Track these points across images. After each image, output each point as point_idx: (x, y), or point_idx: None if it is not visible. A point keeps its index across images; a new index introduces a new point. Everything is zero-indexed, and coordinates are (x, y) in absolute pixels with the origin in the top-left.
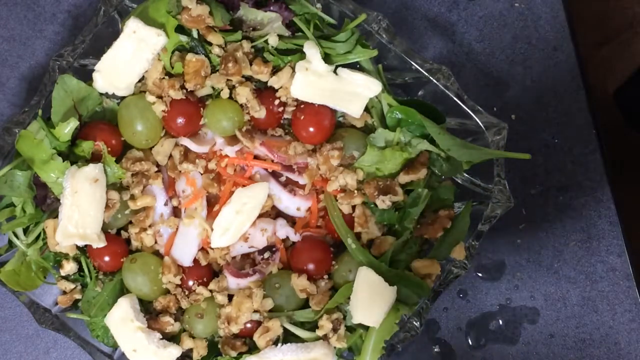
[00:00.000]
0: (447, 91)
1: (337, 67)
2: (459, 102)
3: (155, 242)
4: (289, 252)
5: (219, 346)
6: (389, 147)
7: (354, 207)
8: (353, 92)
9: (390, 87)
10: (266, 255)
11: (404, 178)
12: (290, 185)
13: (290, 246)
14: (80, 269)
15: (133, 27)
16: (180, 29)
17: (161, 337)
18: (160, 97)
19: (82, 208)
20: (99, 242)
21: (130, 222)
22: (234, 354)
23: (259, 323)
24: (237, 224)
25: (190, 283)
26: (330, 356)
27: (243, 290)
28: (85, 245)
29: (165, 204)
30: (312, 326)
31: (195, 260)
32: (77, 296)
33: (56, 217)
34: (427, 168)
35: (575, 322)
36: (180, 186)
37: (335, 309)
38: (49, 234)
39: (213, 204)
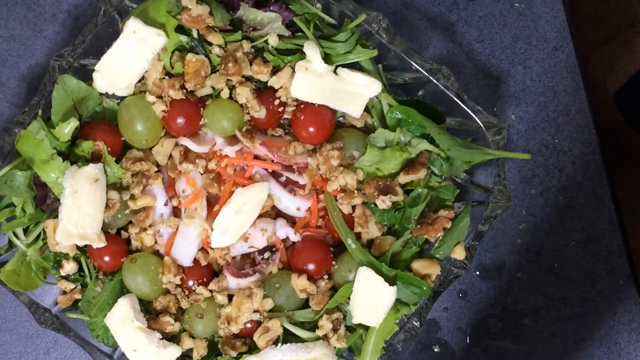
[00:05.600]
0: (447, 91)
1: (337, 67)
2: (459, 102)
3: (155, 242)
4: (289, 252)
5: (219, 346)
6: (389, 147)
7: (354, 207)
8: (353, 92)
9: (390, 87)
10: (266, 255)
11: (404, 178)
12: (290, 185)
13: (290, 246)
14: (80, 269)
15: (133, 27)
16: (180, 29)
17: (161, 337)
18: (160, 97)
19: (82, 208)
20: (99, 242)
21: (130, 222)
22: (234, 354)
23: (259, 323)
24: (237, 224)
25: (190, 283)
26: (330, 356)
27: (243, 290)
28: (85, 245)
29: (165, 204)
30: (312, 326)
31: (195, 260)
32: (77, 296)
33: (56, 217)
34: (427, 168)
35: (575, 322)
36: (180, 186)
37: (335, 309)
38: (49, 234)
39: (213, 204)
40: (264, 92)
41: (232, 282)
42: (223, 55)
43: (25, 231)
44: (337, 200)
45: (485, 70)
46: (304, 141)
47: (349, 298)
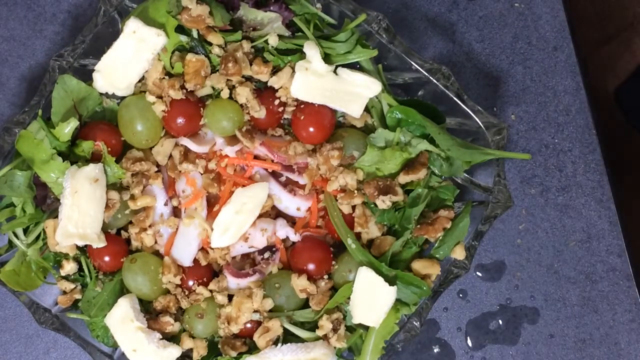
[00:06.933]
0: (447, 91)
1: (337, 67)
2: (459, 102)
3: (155, 242)
4: (289, 252)
5: (219, 346)
6: (389, 147)
7: (354, 207)
8: (353, 92)
9: (390, 87)
10: (266, 255)
11: (404, 178)
12: (290, 185)
13: (290, 246)
14: (80, 269)
15: (133, 27)
16: (180, 29)
17: (161, 337)
18: (160, 97)
19: (82, 208)
20: (99, 242)
21: (130, 222)
22: (234, 354)
23: (259, 323)
24: (237, 224)
25: (190, 283)
26: (330, 356)
27: (243, 290)
28: (85, 245)
29: (165, 204)
30: (312, 326)
31: (195, 260)
32: (77, 296)
33: (56, 217)
34: (427, 168)
35: (575, 322)
36: (180, 186)
37: (335, 309)
38: (49, 234)
39: (213, 204)
40: (264, 92)
41: (232, 282)
42: (223, 55)
43: (25, 231)
44: (337, 200)
45: (485, 70)
46: (304, 141)
47: (349, 298)
